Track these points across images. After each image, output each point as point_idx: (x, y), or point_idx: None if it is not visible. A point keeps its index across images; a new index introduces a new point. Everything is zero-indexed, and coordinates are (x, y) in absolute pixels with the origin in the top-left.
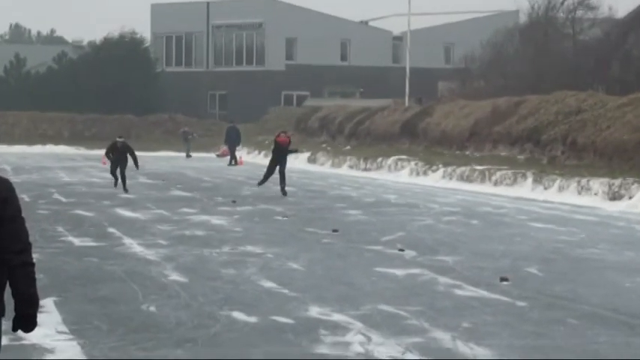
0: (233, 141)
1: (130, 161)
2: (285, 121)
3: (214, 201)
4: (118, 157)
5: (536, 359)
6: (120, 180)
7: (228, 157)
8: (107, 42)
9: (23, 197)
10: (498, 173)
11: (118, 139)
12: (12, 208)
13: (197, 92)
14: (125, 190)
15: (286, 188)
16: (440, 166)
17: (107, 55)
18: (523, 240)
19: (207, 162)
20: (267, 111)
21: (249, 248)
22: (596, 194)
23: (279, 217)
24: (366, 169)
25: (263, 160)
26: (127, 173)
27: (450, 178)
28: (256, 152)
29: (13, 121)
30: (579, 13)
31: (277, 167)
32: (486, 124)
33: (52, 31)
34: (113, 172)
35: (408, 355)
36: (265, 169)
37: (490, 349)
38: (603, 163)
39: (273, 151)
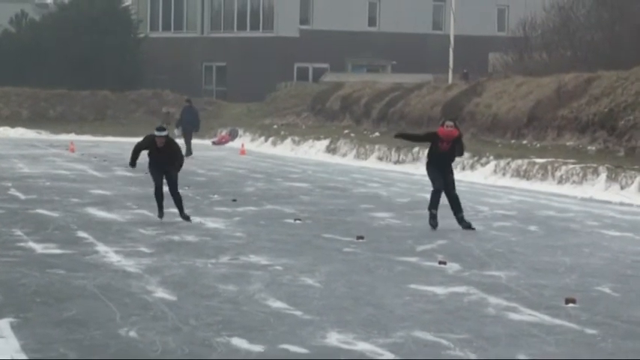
0: (189, 125)
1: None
2: (298, 99)
3: (210, 199)
4: (160, 160)
5: None
6: (174, 201)
7: (222, 144)
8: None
9: None
10: (563, 168)
11: (157, 133)
12: None
13: (189, 64)
14: (184, 217)
15: (301, 184)
16: (491, 158)
17: (77, 16)
18: (594, 251)
19: (201, 151)
20: (275, 88)
21: (253, 259)
22: None
23: (291, 220)
24: (398, 162)
25: (270, 148)
26: (103, 164)
27: (504, 174)
28: (262, 139)
29: None
30: None
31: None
32: (549, 106)
33: None
34: (158, 190)
35: None
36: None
37: None
38: None
39: (429, 151)
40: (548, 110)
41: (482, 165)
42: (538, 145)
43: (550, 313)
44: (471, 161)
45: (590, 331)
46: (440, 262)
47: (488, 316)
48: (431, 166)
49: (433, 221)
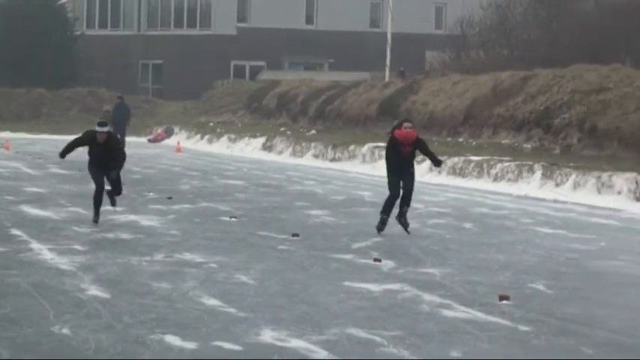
0: (122, 121)
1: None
2: (235, 97)
3: (145, 197)
4: (101, 158)
5: None
6: (109, 192)
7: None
8: None
9: None
10: (499, 166)
11: (98, 128)
12: None
13: (126, 61)
14: (113, 201)
15: (237, 182)
16: None
17: (13, 14)
18: (528, 249)
19: (136, 148)
20: (212, 85)
21: (188, 256)
22: (619, 193)
23: (226, 218)
24: (334, 159)
25: (206, 146)
26: (38, 162)
27: (439, 172)
28: (198, 137)
29: None
30: None
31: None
32: (485, 104)
33: None
34: (99, 192)
35: None
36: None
37: None
38: (629, 154)
39: (388, 156)
40: (484, 108)
41: (418, 163)
42: (474, 142)
43: (484, 310)
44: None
45: (523, 328)
46: (375, 260)
47: (422, 313)
48: (390, 173)
49: (381, 226)
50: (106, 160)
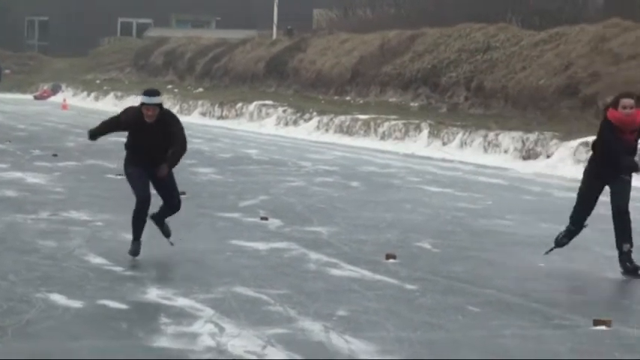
0: None
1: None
2: (122, 55)
3: (30, 154)
4: (149, 148)
5: (427, 359)
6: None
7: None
8: None
9: None
10: (386, 124)
11: (146, 99)
12: None
13: (12, 18)
14: (166, 231)
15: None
16: (314, 114)
17: None
18: (415, 207)
19: (22, 105)
20: (99, 42)
21: (74, 214)
22: (506, 152)
23: (112, 176)
24: (221, 117)
25: (93, 103)
26: None
27: (327, 130)
28: (84, 94)
29: None
30: None
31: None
32: (373, 63)
33: None
34: (144, 206)
35: (269, 350)
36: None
37: (371, 342)
38: (516, 113)
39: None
40: (371, 67)
41: (306, 121)
42: (361, 101)
43: (370, 268)
44: (294, 117)
45: (409, 286)
46: (262, 218)
47: (309, 271)
48: (591, 174)
49: (564, 239)
50: (156, 152)
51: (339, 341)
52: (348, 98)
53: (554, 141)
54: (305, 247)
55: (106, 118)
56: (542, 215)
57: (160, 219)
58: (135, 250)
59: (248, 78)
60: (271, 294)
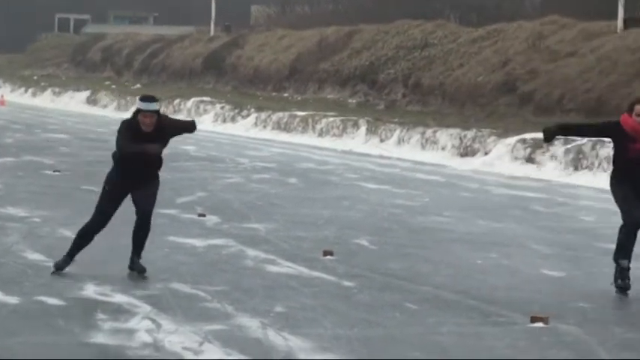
0: None
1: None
2: (59, 50)
3: None
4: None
5: (364, 358)
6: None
7: None
8: None
9: None
10: (324, 121)
11: (143, 105)
12: None
13: None
14: (139, 267)
15: (61, 136)
16: (252, 110)
17: None
18: (352, 204)
19: None
20: (36, 38)
21: (11, 210)
22: (443, 149)
23: (50, 172)
24: None
25: (30, 99)
26: None
27: (265, 126)
28: (22, 90)
29: None
30: None
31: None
32: (311, 59)
33: None
34: (100, 226)
35: (207, 347)
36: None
37: (309, 339)
38: (453, 109)
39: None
40: (309, 63)
41: (244, 117)
42: (299, 97)
43: (308, 265)
44: (231, 113)
45: (347, 283)
46: (199, 215)
47: (247, 268)
48: (618, 183)
49: (624, 283)
50: (150, 163)
51: (277, 338)
52: (286, 95)
53: (492, 138)
54: (242, 244)
55: (37, 112)
56: (479, 212)
57: (138, 252)
58: (61, 265)
59: (186, 74)
60: (209, 290)
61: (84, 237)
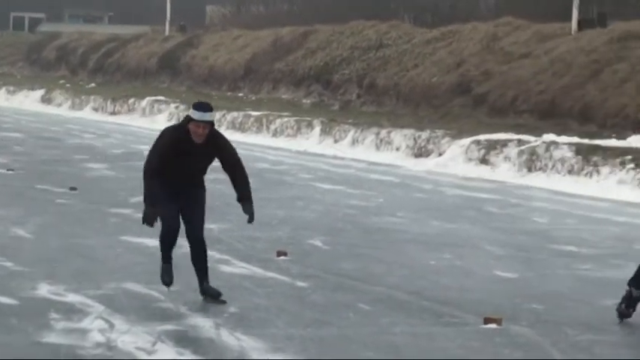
0: None
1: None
2: (14, 49)
3: None
4: (190, 174)
5: (317, 358)
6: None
7: None
8: None
9: None
10: (278, 121)
11: (197, 115)
12: None
13: None
14: (213, 292)
15: (15, 134)
16: None
17: None
18: (307, 204)
19: None
20: None
21: None
22: (398, 149)
23: (3, 171)
24: (114, 113)
25: None
26: None
27: (219, 126)
28: None
29: None
30: None
31: None
32: (265, 59)
33: None
34: (173, 234)
35: (160, 346)
36: None
37: (262, 340)
38: (408, 110)
39: None
40: (264, 63)
41: None
42: (254, 97)
43: (262, 265)
44: (186, 113)
45: (300, 283)
46: None
47: None
48: None
49: (627, 311)
50: (194, 177)
51: (230, 338)
52: (240, 94)
53: (446, 139)
54: None
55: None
56: (433, 213)
57: (205, 277)
58: (168, 280)
59: (141, 74)
60: (162, 290)
61: (164, 242)
